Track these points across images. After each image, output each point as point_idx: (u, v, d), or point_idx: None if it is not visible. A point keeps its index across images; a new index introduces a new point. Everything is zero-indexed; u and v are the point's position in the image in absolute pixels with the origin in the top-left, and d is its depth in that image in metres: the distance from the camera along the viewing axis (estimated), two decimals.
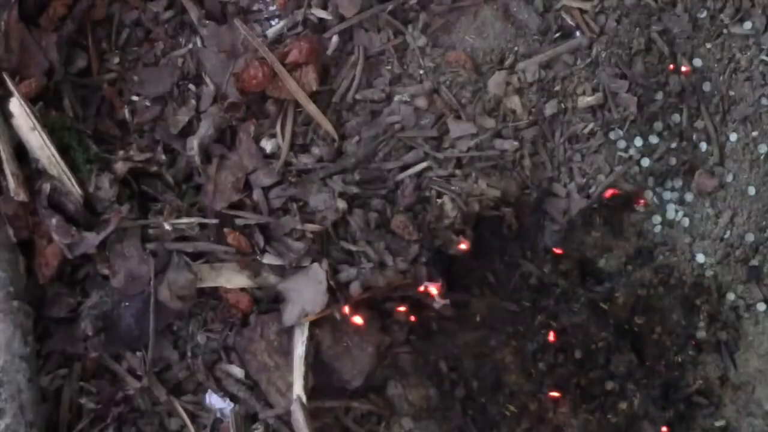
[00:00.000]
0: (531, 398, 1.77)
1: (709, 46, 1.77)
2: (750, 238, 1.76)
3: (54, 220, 1.61)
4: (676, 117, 1.77)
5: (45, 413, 1.60)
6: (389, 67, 1.77)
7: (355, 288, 1.66)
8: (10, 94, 1.63)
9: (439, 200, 1.72)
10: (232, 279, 1.68)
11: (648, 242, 1.81)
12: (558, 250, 1.81)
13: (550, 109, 1.76)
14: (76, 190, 1.64)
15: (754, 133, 1.76)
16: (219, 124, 1.73)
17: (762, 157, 1.77)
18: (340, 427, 1.73)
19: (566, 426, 1.77)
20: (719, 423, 1.77)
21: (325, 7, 1.75)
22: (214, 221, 1.69)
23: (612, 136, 1.77)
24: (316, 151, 1.74)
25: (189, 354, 1.69)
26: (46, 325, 1.66)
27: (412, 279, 1.71)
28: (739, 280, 1.78)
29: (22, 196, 1.60)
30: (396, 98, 1.75)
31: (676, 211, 1.83)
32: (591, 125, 1.76)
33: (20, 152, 1.64)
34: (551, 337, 1.78)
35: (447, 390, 1.77)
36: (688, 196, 1.82)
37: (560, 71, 1.76)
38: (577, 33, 1.76)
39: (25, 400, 1.56)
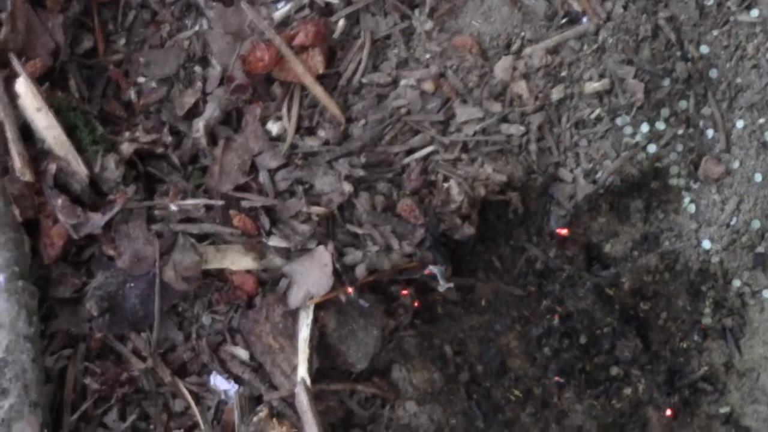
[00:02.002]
0: (535, 383, 1.76)
1: (716, 33, 1.76)
2: (756, 224, 1.73)
3: (59, 201, 1.58)
4: (683, 103, 1.75)
5: (49, 393, 1.62)
6: (396, 51, 1.76)
7: (360, 271, 1.67)
8: (16, 75, 1.66)
9: (445, 184, 1.71)
10: (237, 261, 1.67)
11: (654, 228, 1.79)
12: (563, 234, 1.76)
13: (556, 94, 1.75)
14: (81, 170, 1.61)
15: (761, 120, 1.74)
16: (225, 106, 1.72)
17: None
18: (344, 410, 1.74)
19: (570, 411, 1.76)
20: (724, 410, 1.74)
21: None
22: (220, 203, 1.67)
23: (619, 122, 1.75)
24: (322, 133, 1.72)
25: (194, 335, 1.71)
26: (50, 305, 1.64)
27: (418, 262, 1.64)
28: (744, 266, 1.76)
29: (27, 176, 1.60)
30: (402, 82, 1.77)
31: (685, 198, 1.78)
32: (598, 111, 1.75)
33: (26, 132, 1.67)
34: (556, 321, 1.75)
35: (451, 374, 1.76)
36: (695, 185, 1.77)
37: (567, 57, 1.75)
38: (584, 19, 1.75)
39: (29, 380, 1.54)
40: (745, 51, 1.77)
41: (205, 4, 1.74)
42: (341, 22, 1.74)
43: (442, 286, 1.70)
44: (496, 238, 1.78)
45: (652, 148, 1.76)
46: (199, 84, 1.74)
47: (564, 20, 1.76)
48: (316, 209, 1.66)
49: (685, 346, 1.77)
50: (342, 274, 1.65)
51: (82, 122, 1.67)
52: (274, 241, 1.67)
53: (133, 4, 1.76)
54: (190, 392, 1.67)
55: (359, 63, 1.76)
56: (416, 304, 1.78)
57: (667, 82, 1.79)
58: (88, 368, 1.66)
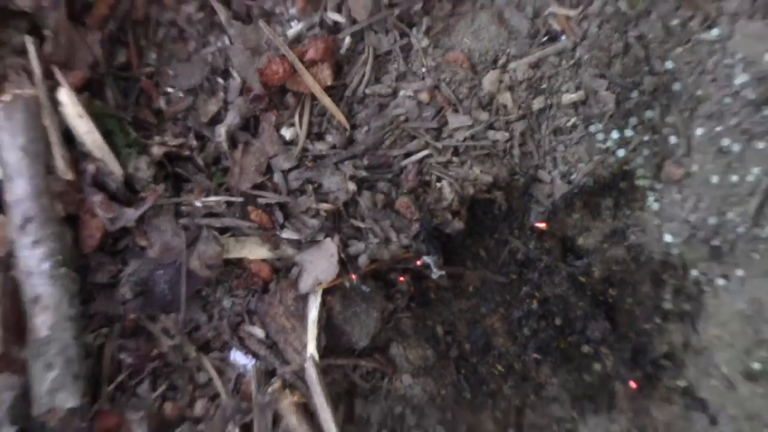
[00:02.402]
0: (516, 359, 1.77)
1: (680, 50, 1.76)
2: (712, 221, 1.75)
3: (97, 198, 1.62)
4: (649, 113, 1.76)
5: (89, 367, 1.61)
6: (395, 65, 1.76)
7: (362, 260, 1.66)
8: (59, 85, 1.63)
9: (438, 184, 1.72)
10: (254, 251, 1.68)
11: (622, 223, 1.81)
12: (542, 228, 1.79)
13: (537, 104, 1.75)
14: (117, 170, 1.65)
15: (718, 128, 1.75)
16: (244, 114, 1.73)
17: (724, 150, 1.75)
18: (348, 382, 1.73)
19: (547, 384, 1.77)
20: (682, 383, 1.77)
21: (339, 11, 1.75)
22: (240, 200, 1.68)
23: (592, 129, 1.75)
24: (329, 138, 1.73)
25: (216, 316, 1.71)
26: (90, 290, 1.67)
27: (413, 253, 1.69)
28: (701, 258, 1.77)
29: (69, 176, 1.61)
30: (401, 93, 1.75)
31: (650, 196, 1.80)
32: (573, 119, 1.75)
33: (68, 137, 1.65)
34: (535, 305, 1.77)
35: (442, 351, 1.77)
36: (658, 186, 1.79)
37: (547, 71, 1.75)
38: (563, 37, 1.75)
39: (71, 355, 1.57)
40: (705, 66, 1.76)
41: (227, 22, 1.75)
42: (347, 39, 1.74)
43: (435, 273, 1.70)
44: (483, 231, 1.79)
45: (621, 153, 1.76)
46: (221, 94, 1.76)
47: (545, 38, 1.76)
48: (324, 206, 1.67)
49: (648, 327, 1.78)
50: (346, 263, 1.67)
51: (118, 128, 1.69)
52: (287, 234, 1.68)
53: (163, 22, 1.76)
54: (213, 366, 1.69)
55: (363, 76, 1.75)
56: (412, 289, 1.76)
57: (635, 94, 1.76)
58: (122, 345, 1.68)
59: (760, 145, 1.72)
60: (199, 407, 1.68)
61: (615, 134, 1.76)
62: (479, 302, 1.80)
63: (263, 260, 1.69)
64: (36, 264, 1.56)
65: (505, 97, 1.74)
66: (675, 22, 1.75)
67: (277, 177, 1.70)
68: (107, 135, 1.67)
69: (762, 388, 1.73)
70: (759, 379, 1.74)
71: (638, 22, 1.75)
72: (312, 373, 1.62)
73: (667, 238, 1.79)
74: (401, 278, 1.74)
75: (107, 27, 1.71)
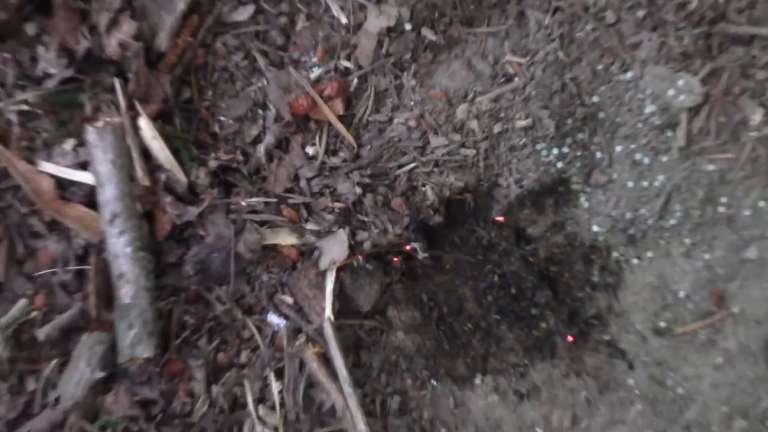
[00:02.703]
0: (482, 319, 1.78)
1: (603, 88, 1.74)
2: (628, 215, 1.77)
3: (168, 199, 1.65)
4: (580, 135, 1.76)
5: (160, 326, 1.63)
6: (391, 100, 1.75)
7: (366, 245, 1.68)
8: (139, 115, 1.65)
9: (423, 188, 1.73)
10: (285, 239, 1.69)
11: (561, 217, 1.80)
12: (501, 221, 1.79)
13: (497, 128, 1.74)
14: (182, 178, 1.67)
15: (632, 146, 1.75)
16: (278, 136, 1.73)
17: (637, 162, 1.76)
18: (355, 337, 1.73)
19: (505, 338, 1.77)
20: (606, 337, 1.78)
21: (348, 59, 1.73)
22: (274, 200, 1.69)
23: (538, 147, 1.75)
24: (341, 154, 1.73)
25: (257, 288, 1.71)
26: (162, 268, 1.67)
27: (404, 240, 1.71)
28: (620, 243, 1.78)
29: (146, 183, 1.64)
30: (395, 120, 1.74)
31: (582, 197, 1.80)
32: (524, 140, 1.75)
33: (145, 153, 1.65)
34: (496, 279, 1.78)
35: (426, 313, 1.78)
36: (588, 188, 1.80)
37: (504, 104, 1.74)
38: (516, 78, 1.73)
39: (147, 317, 1.59)
40: (622, 100, 1.74)
41: (265, 68, 1.74)
42: (355, 81, 1.73)
43: (421, 255, 1.73)
44: (456, 224, 1.80)
45: (559, 165, 1.76)
46: (260, 121, 1.74)
47: (503, 79, 1.74)
48: (338, 205, 1.68)
49: (580, 295, 1.78)
50: (354, 247, 1.67)
51: (183, 146, 1.70)
52: (310, 226, 1.68)
53: (217, 67, 1.74)
54: (254, 325, 1.68)
55: (366, 107, 1.74)
56: (403, 267, 1.77)
57: (570, 121, 1.75)
58: (186, 309, 1.68)
59: (664, 158, 1.74)
60: (243, 356, 1.67)
61: (555, 151, 1.76)
62: (454, 277, 1.80)
63: (292, 245, 1.68)
64: (121, 249, 1.59)
65: (473, 124, 1.74)
66: (600, 67, 1.75)
67: (303, 183, 1.70)
68: (175, 152, 1.66)
69: (666, 341, 1.76)
70: (664, 334, 1.77)
71: (572, 67, 1.74)
72: (328, 330, 1.63)
73: (595, 228, 1.80)
74: (395, 259, 1.75)
75: (175, 71, 1.70)
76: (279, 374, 1.64)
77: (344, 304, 1.69)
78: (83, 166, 1.62)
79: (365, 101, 1.74)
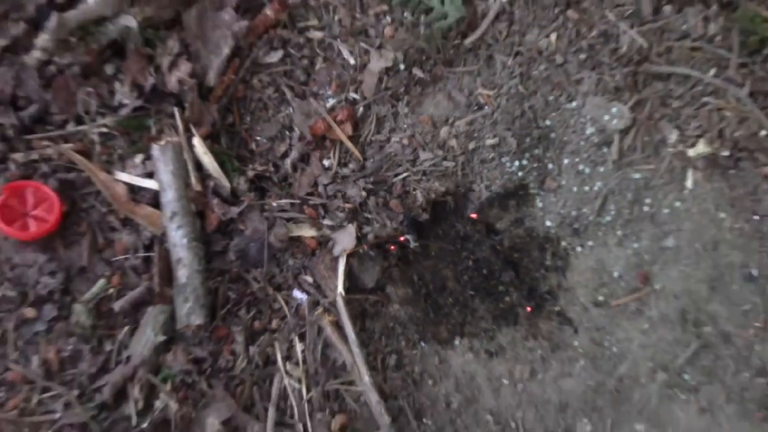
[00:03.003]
0: (460, 295, 1.77)
1: (554, 114, 1.75)
2: (573, 213, 1.77)
3: (215, 201, 1.66)
4: (536, 151, 1.77)
5: (209, 300, 1.63)
6: (389, 124, 1.77)
7: (370, 237, 1.67)
8: (193, 135, 1.67)
9: (414, 192, 1.73)
10: (307, 231, 1.69)
11: (521, 214, 1.81)
12: (475, 217, 1.80)
13: (471, 146, 1.75)
14: (226, 185, 1.68)
15: (576, 159, 1.77)
16: (301, 152, 1.74)
17: (580, 172, 1.78)
18: (361, 308, 1.70)
19: (478, 309, 1.77)
20: (557, 308, 1.76)
21: (356, 92, 1.75)
22: (298, 202, 1.70)
23: (503, 160, 1.77)
24: (350, 166, 1.74)
25: (284, 270, 1.69)
26: (210, 255, 1.66)
27: (400, 233, 1.73)
28: (568, 234, 1.77)
29: (199, 188, 1.65)
30: (392, 139, 1.75)
31: (537, 199, 1.81)
32: (492, 154, 1.76)
33: (198, 165, 1.67)
34: (471, 263, 1.78)
35: (417, 290, 1.77)
36: (542, 192, 1.81)
37: (477, 126, 1.76)
38: (486, 107, 1.76)
39: (199, 293, 1.59)
40: (569, 123, 1.74)
41: (292, 99, 1.75)
42: (361, 109, 1.75)
43: (412, 245, 1.72)
44: (440, 220, 1.80)
45: (520, 174, 1.77)
46: (287, 140, 1.75)
47: (476, 108, 1.77)
48: (348, 205, 1.68)
49: (537, 275, 1.78)
50: (360, 238, 1.66)
51: (227, 160, 1.71)
52: (326, 222, 1.68)
53: (254, 99, 1.75)
54: (283, 299, 1.67)
55: (370, 130, 1.75)
56: (399, 254, 1.76)
57: (528, 139, 1.75)
58: (229, 287, 1.66)
59: (601, 169, 1.77)
60: (274, 323, 1.67)
61: (516, 163, 1.78)
62: (438, 261, 1.79)
63: (312, 237, 1.68)
64: (179, 239, 1.59)
65: (453, 142, 1.76)
66: (551, 98, 1.77)
67: (320, 188, 1.71)
68: (221, 164, 1.67)
69: (604, 311, 1.75)
70: (602, 306, 1.76)
71: (529, 98, 1.77)
72: (340, 303, 1.62)
73: (547, 223, 1.79)
74: (392, 247, 1.74)
75: (221, 101, 1.72)
76: (302, 337, 1.63)
77: (352, 283, 1.67)
78: (149, 175, 1.64)
79: (369, 125, 1.75)
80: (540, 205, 1.78)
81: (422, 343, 1.73)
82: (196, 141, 1.64)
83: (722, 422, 1.58)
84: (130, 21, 1.61)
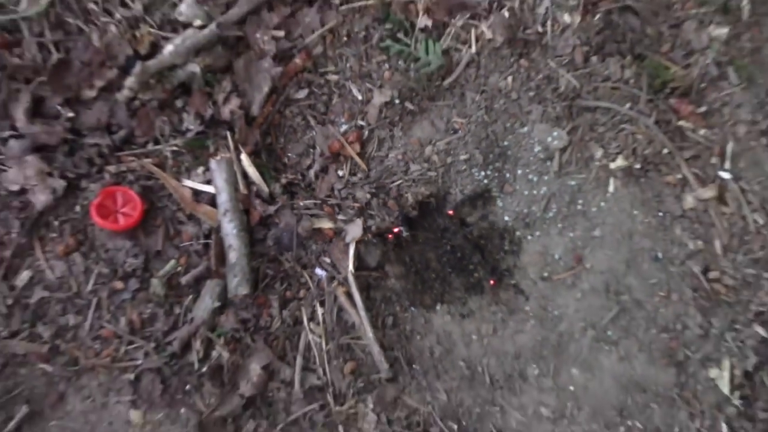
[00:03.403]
0: (440, 272, 1.77)
1: (510, 137, 1.76)
2: (525, 211, 1.78)
3: (257, 201, 1.64)
4: (497, 164, 1.78)
5: (253, 276, 1.62)
6: (387, 143, 1.77)
7: (373, 229, 1.67)
8: (241, 152, 1.67)
9: (406, 195, 1.74)
10: (325, 224, 1.68)
11: (486, 211, 1.81)
12: (452, 214, 1.80)
13: (449, 160, 1.75)
14: (265, 189, 1.66)
15: (527, 171, 1.78)
16: (321, 165, 1.74)
17: (530, 180, 1.78)
18: (367, 283, 1.70)
19: (454, 283, 1.73)
20: (513, 282, 1.77)
21: (363, 120, 1.75)
22: (319, 202, 1.71)
23: (473, 171, 1.78)
24: (358, 175, 1.73)
25: (309, 253, 1.68)
26: (254, 242, 1.65)
27: (396, 225, 1.74)
28: (521, 227, 1.70)
29: (245, 192, 1.64)
30: (390, 155, 1.74)
31: (498, 200, 1.82)
32: (464, 167, 1.77)
33: (245, 175, 1.67)
34: (449, 248, 1.78)
35: (408, 269, 1.78)
36: (501, 195, 1.82)
37: (453, 146, 1.77)
38: (459, 131, 1.77)
39: (245, 270, 1.58)
40: (522, 144, 1.77)
41: (314, 125, 1.76)
42: (366, 132, 1.76)
43: (405, 234, 1.73)
44: (426, 216, 1.80)
45: (485, 181, 1.77)
46: (312, 156, 1.74)
47: (452, 132, 1.77)
48: (356, 205, 1.68)
49: (497, 257, 1.79)
50: (366, 230, 1.66)
51: (266, 171, 1.68)
52: (340, 217, 1.68)
53: (286, 125, 1.74)
54: (308, 275, 1.67)
55: (373, 148, 1.76)
56: (395, 241, 1.76)
57: (491, 156, 1.75)
58: (268, 266, 1.65)
59: (546, 178, 1.76)
60: (301, 293, 1.65)
61: (482, 173, 1.78)
62: (424, 247, 1.79)
63: (330, 228, 1.68)
64: (230, 230, 1.60)
65: (435, 157, 1.78)
66: (508, 124, 1.77)
67: (336, 192, 1.72)
68: (262, 174, 1.65)
69: (548, 284, 1.76)
70: (547, 280, 1.77)
71: (492, 125, 1.76)
72: (350, 278, 1.64)
73: (506, 218, 1.79)
74: (390, 236, 1.75)
75: (262, 127, 1.73)
76: (322, 304, 1.63)
77: (360, 263, 1.63)
78: (208, 182, 1.61)
79: (372, 144, 1.73)
80: (500, 204, 1.77)
81: (412, 308, 1.75)
82: (243, 157, 1.62)
83: (636, 367, 1.61)
84: (194, 67, 1.66)
